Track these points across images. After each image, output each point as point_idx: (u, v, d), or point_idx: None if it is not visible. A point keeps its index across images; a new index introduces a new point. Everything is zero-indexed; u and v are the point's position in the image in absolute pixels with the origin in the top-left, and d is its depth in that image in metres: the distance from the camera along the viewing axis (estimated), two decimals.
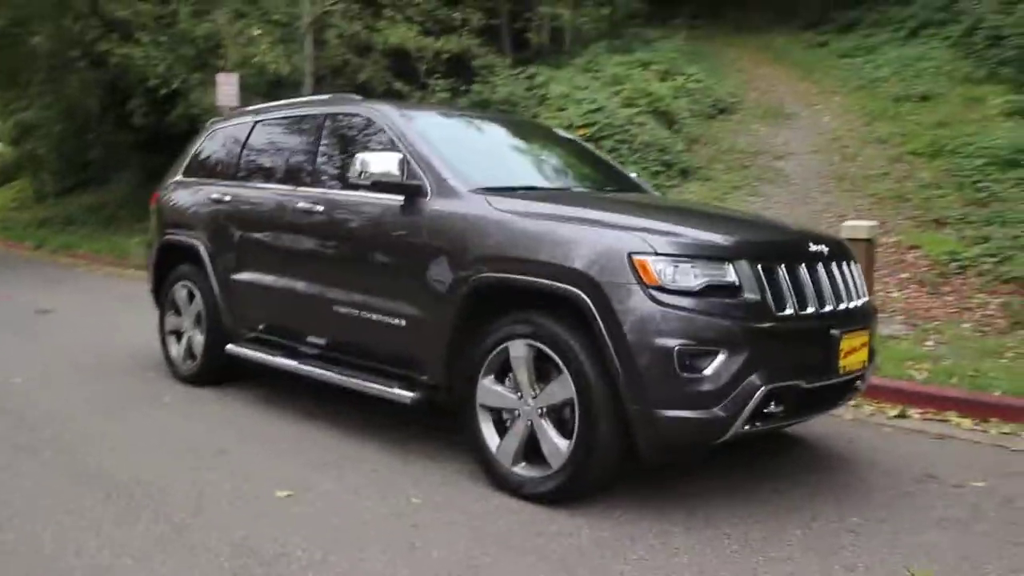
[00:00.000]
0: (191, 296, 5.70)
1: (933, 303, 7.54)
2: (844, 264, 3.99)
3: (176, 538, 3.29)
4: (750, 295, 3.48)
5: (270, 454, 4.31)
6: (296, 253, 4.87)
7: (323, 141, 4.96)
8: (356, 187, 4.50)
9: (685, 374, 3.36)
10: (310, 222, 4.74)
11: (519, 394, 3.78)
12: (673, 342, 3.35)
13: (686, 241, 3.53)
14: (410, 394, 4.18)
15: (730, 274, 3.46)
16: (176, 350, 5.86)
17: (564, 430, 3.65)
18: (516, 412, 3.79)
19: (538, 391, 3.71)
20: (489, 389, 3.87)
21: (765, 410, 3.50)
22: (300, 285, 4.82)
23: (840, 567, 3.15)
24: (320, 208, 4.69)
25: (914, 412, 5.25)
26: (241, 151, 5.56)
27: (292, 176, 5.04)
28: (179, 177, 6.09)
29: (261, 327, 5.25)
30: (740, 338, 3.41)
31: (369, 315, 4.38)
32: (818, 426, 4.78)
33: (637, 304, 3.39)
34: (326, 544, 3.25)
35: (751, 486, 3.93)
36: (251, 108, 6.02)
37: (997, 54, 13.95)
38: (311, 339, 4.89)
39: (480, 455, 3.92)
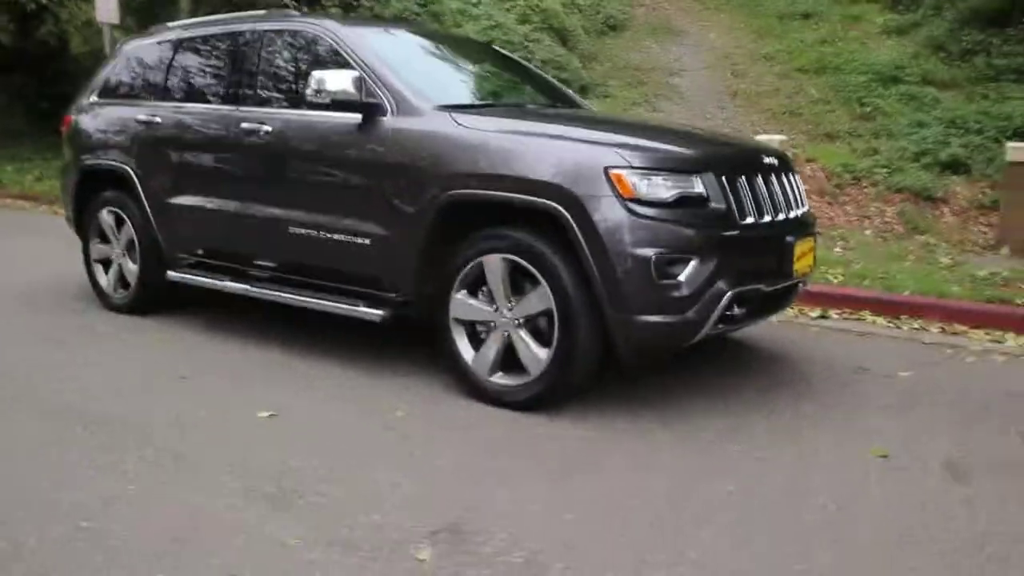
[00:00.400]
0: (119, 222, 5.51)
1: (835, 212, 8.02)
2: (789, 175, 4.24)
3: (174, 463, 3.29)
4: (716, 205, 3.67)
5: (234, 379, 4.30)
6: (239, 174, 4.78)
7: (265, 59, 4.82)
8: (310, 106, 4.42)
9: (661, 281, 3.54)
10: (256, 142, 4.64)
11: (494, 306, 3.89)
12: (650, 251, 3.52)
13: (657, 155, 3.68)
14: (379, 312, 4.22)
15: (698, 186, 3.64)
16: (106, 279, 5.67)
17: (541, 339, 3.78)
18: (492, 324, 3.91)
19: (514, 303, 3.82)
20: (463, 303, 3.97)
21: (730, 313, 3.74)
22: (246, 207, 4.74)
23: (805, 450, 3.45)
24: (267, 128, 4.59)
25: (833, 313, 5.65)
26: (168, 70, 5.34)
27: (232, 96, 4.90)
28: (93, 99, 5.80)
29: (200, 251, 5.15)
30: (710, 246, 3.61)
31: (329, 235, 4.36)
32: (753, 329, 5.10)
33: (615, 216, 3.53)
34: (327, 458, 3.32)
35: (711, 386, 4.20)
36: (174, 25, 5.75)
37: None
38: (260, 262, 4.84)
39: (456, 367, 4.03)
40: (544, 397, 3.79)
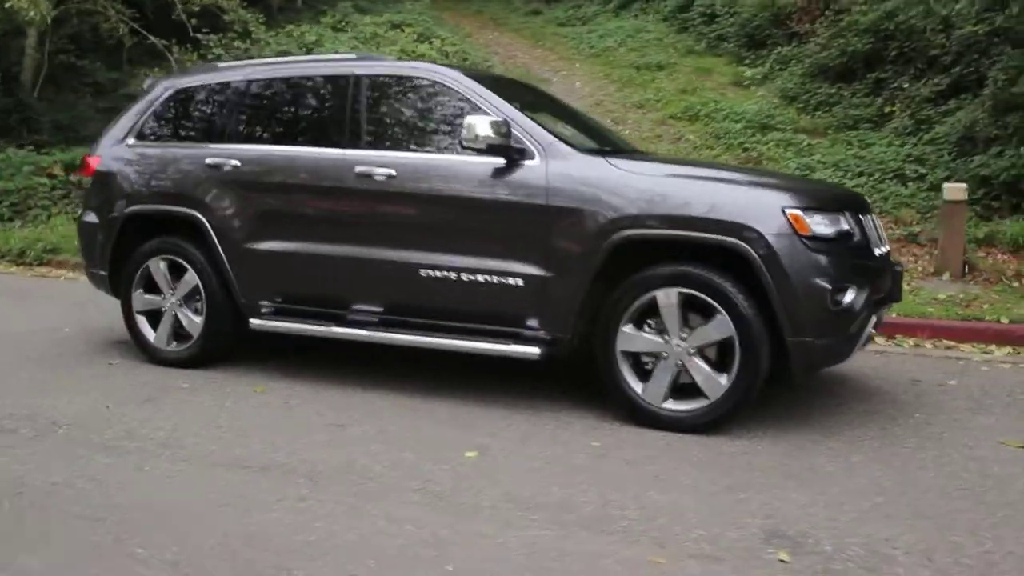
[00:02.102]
0: (177, 271, 5.27)
1: None
2: (873, 215, 4.89)
3: (439, 502, 3.35)
4: (858, 239, 4.24)
5: (395, 424, 4.31)
6: (348, 218, 4.78)
7: (378, 103, 4.89)
8: (439, 150, 4.62)
9: (833, 308, 4.03)
10: (374, 186, 4.68)
11: (664, 338, 4.21)
12: (825, 282, 4.01)
13: (816, 196, 4.21)
14: (536, 350, 4.40)
15: (845, 223, 4.19)
16: (154, 332, 5.38)
17: (713, 366, 4.15)
18: (662, 354, 4.22)
19: (687, 333, 4.17)
20: (630, 336, 4.26)
21: (870, 332, 4.30)
22: (355, 250, 4.75)
23: (949, 448, 4.03)
24: (390, 172, 4.65)
25: None
26: (239, 112, 5.22)
27: (336, 139, 4.89)
28: (130, 141, 5.51)
29: (279, 299, 5.05)
30: (861, 275, 4.16)
31: (472, 277, 4.49)
32: None
33: (795, 251, 3.99)
34: (584, 488, 3.49)
35: (829, 406, 4.70)
36: (234, 65, 5.61)
37: (715, 30, 16.05)
38: (362, 306, 4.84)
39: (623, 398, 4.30)
40: (720, 420, 4.15)
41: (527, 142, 4.43)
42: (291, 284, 5.02)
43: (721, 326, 4.09)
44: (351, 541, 3.02)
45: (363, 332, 4.81)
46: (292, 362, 5.38)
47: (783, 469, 3.74)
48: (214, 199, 5.10)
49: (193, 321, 5.25)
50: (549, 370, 4.98)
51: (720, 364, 4.16)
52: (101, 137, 5.79)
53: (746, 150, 11.77)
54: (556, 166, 4.37)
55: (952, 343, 6.15)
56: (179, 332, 5.34)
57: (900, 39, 12.03)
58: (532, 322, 4.47)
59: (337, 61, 5.20)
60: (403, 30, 16.15)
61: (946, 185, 7.29)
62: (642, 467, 3.76)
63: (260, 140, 5.16)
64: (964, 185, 7.26)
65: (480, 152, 4.40)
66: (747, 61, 14.87)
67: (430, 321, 4.71)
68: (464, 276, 4.52)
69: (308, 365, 5.32)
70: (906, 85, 11.59)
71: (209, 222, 5.10)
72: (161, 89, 5.58)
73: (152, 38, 13.47)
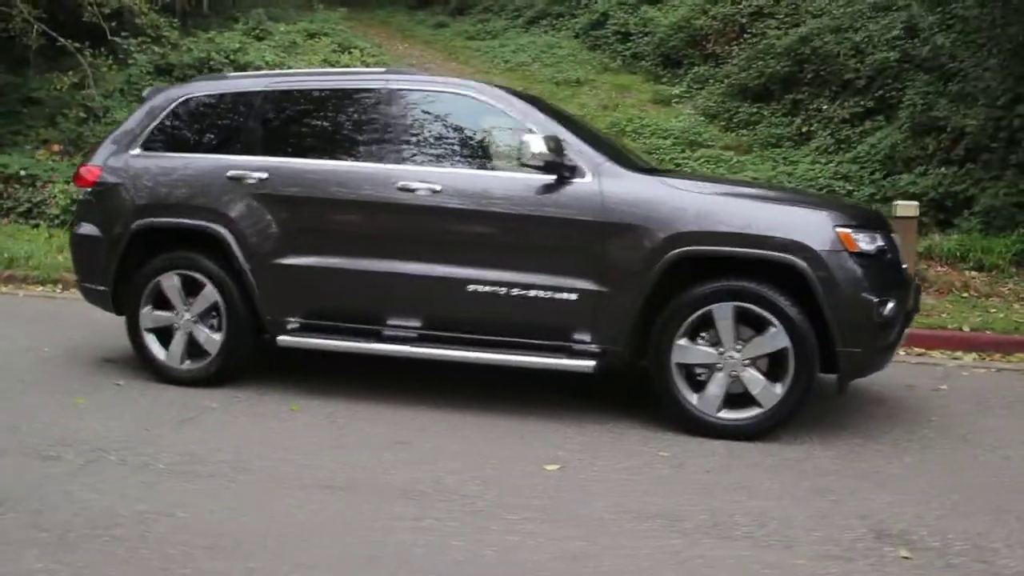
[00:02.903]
0: (192, 287, 5.08)
1: None
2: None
3: (553, 516, 3.41)
4: (891, 255, 4.53)
5: (456, 439, 4.31)
6: (388, 233, 4.74)
7: (417, 119, 4.88)
8: (482, 166, 4.68)
9: (877, 320, 4.31)
10: (416, 201, 4.67)
11: (719, 349, 4.38)
12: (873, 295, 4.27)
13: (858, 215, 4.50)
14: (591, 363, 4.49)
15: (881, 240, 4.47)
16: (164, 351, 5.16)
17: (767, 376, 4.35)
18: (716, 365, 4.39)
19: (742, 345, 4.35)
20: (685, 348, 4.41)
21: (900, 342, 4.61)
22: (394, 265, 4.71)
23: (991, 447, 4.37)
24: (437, 187, 4.65)
25: None
26: (261, 123, 5.08)
27: (374, 153, 4.84)
28: (136, 151, 5.27)
29: (307, 315, 4.95)
30: (897, 288, 4.46)
31: (523, 292, 4.54)
32: None
33: (847, 267, 4.24)
34: (681, 497, 3.61)
35: (851, 411, 4.97)
36: (251, 75, 5.45)
37: (629, 48, 16.53)
38: (398, 321, 4.81)
39: (678, 408, 4.43)
40: (773, 427, 4.35)
41: (578, 160, 4.52)
42: (322, 300, 4.92)
43: (776, 338, 4.28)
44: (492, 559, 3.03)
45: (405, 348, 4.76)
46: (308, 378, 5.25)
47: (851, 472, 3.96)
48: (237, 212, 4.95)
49: (211, 338, 5.07)
50: (567, 382, 5.04)
51: (771, 374, 4.35)
52: (97, 147, 5.52)
53: (677, 166, 12.18)
54: (610, 184, 4.48)
55: (922, 350, 6.58)
56: (192, 350, 5.12)
57: (816, 63, 12.74)
58: (583, 336, 4.55)
59: (365, 74, 5.16)
60: (320, 39, 15.91)
61: (898, 202, 7.80)
62: (722, 475, 3.90)
63: (288, 152, 5.04)
64: (915, 203, 7.79)
65: (538, 169, 4.46)
66: (664, 80, 15.39)
67: (474, 336, 4.71)
68: (514, 291, 4.56)
69: (329, 382, 5.21)
70: (825, 106, 12.27)
71: (232, 236, 4.94)
72: (166, 98, 5.36)
73: (62, 40, 12.76)
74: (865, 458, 4.16)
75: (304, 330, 4.98)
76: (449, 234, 4.68)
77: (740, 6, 14.60)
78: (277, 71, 5.55)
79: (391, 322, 4.83)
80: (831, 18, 13.20)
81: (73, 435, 4.22)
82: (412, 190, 4.68)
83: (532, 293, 4.53)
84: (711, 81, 14.37)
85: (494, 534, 3.22)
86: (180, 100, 5.30)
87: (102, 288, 5.31)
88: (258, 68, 13.07)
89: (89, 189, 5.34)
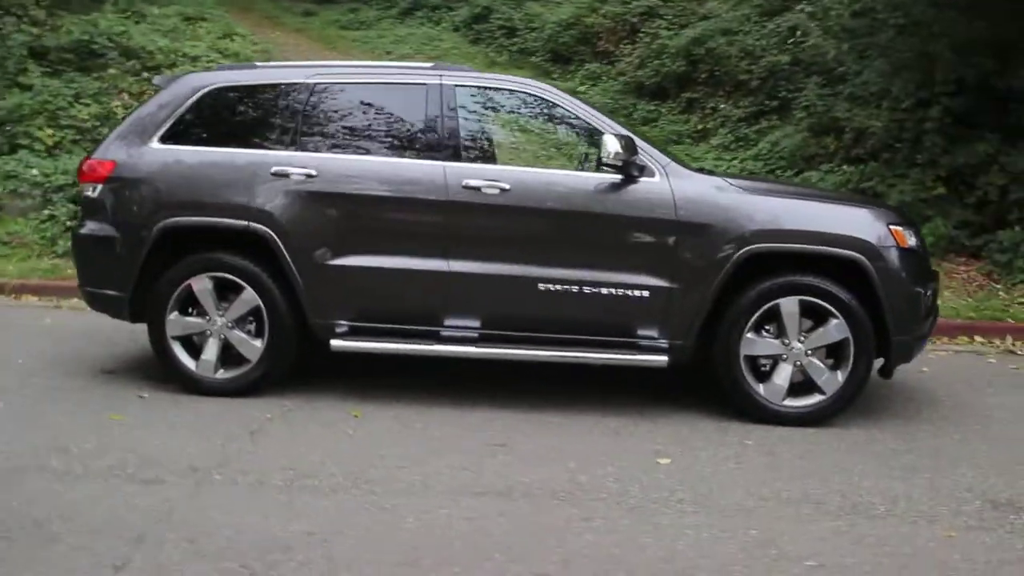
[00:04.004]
0: (225, 290, 4.80)
1: None
2: None
3: (708, 507, 3.54)
4: (923, 250, 4.94)
5: (547, 439, 4.33)
6: (454, 232, 4.67)
7: (473, 114, 4.83)
8: (551, 164, 4.71)
9: (922, 309, 4.69)
10: (484, 199, 4.63)
11: (783, 341, 4.62)
12: (920, 287, 4.65)
13: (901, 213, 4.86)
14: (664, 358, 4.62)
15: (916, 236, 4.86)
16: (192, 360, 4.84)
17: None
18: (781, 356, 4.63)
19: (805, 337, 4.61)
20: (753, 341, 4.62)
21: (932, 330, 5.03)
22: (460, 265, 4.65)
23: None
24: (506, 186, 4.63)
25: None
26: (304, 117, 4.85)
27: (432, 150, 4.74)
28: (156, 144, 4.89)
29: (358, 318, 4.80)
30: (933, 279, 4.87)
31: (594, 290, 4.61)
32: None
33: (900, 262, 4.59)
34: (801, 482, 3.83)
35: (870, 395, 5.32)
36: (281, 66, 5.18)
37: (516, 43, 16.70)
38: (456, 321, 4.76)
39: (746, 398, 4.64)
40: (834, 413, 4.64)
41: (647, 160, 4.62)
42: (375, 301, 4.78)
43: (838, 329, 4.56)
44: (690, 553, 3.13)
45: (469, 349, 4.72)
46: (339, 383, 5.06)
47: (920, 451, 4.29)
48: (283, 210, 4.71)
49: (251, 345, 4.80)
50: (598, 377, 5.16)
51: (831, 363, 4.63)
52: (105, 139, 5.09)
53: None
54: (679, 184, 4.62)
55: None
56: (226, 358, 4.85)
57: (709, 63, 13.34)
58: (650, 331, 4.67)
59: (414, 69, 5.04)
60: (199, 24, 15.10)
61: None
62: (815, 460, 4.14)
63: (337, 148, 4.84)
64: None
65: (614, 169, 4.53)
66: (555, 76, 15.63)
67: (537, 334, 4.73)
68: (586, 289, 4.61)
69: (365, 385, 5.04)
70: (721, 105, 12.91)
71: (278, 235, 4.70)
72: (186, 88, 4.99)
73: None
74: (923, 439, 4.50)
75: (353, 333, 4.81)
76: (519, 233, 4.68)
77: (630, 6, 15.04)
78: (311, 63, 5.27)
79: (449, 322, 4.76)
80: (718, 21, 13.85)
81: (146, 454, 3.93)
82: (479, 188, 4.62)
83: (604, 291, 4.61)
84: (604, 78, 14.75)
85: (670, 529, 3.30)
86: (206, 90, 4.96)
87: (116, 294, 4.91)
88: (148, 52, 12.29)
89: (100, 185, 4.91)
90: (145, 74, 11.56)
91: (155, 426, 4.33)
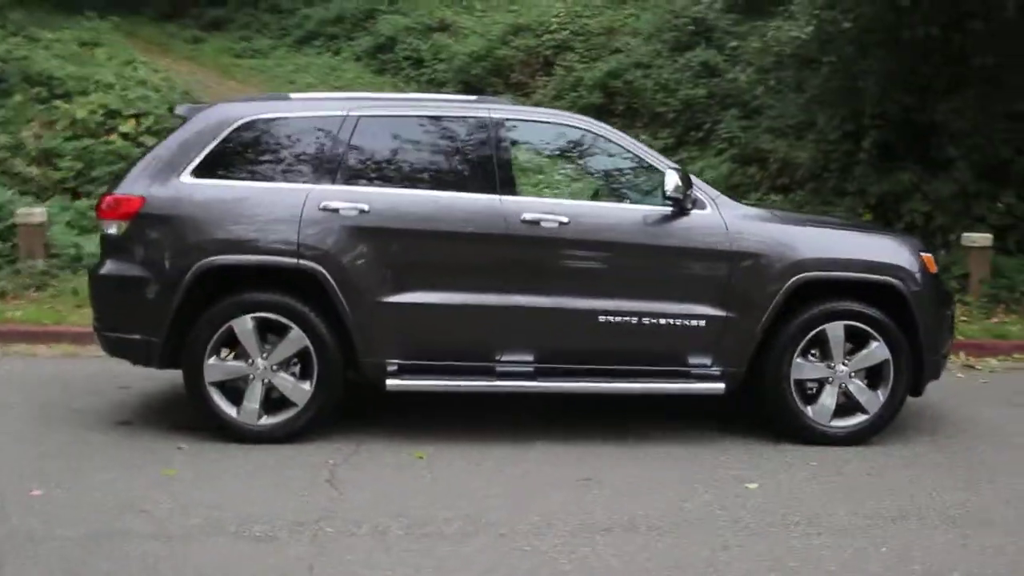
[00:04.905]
0: (269, 332, 4.59)
1: None
2: None
3: (827, 529, 3.65)
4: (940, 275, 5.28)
5: (634, 469, 4.35)
6: (517, 266, 4.62)
7: (524, 148, 4.83)
8: (605, 198, 4.80)
9: (947, 330, 5.02)
10: (547, 235, 4.62)
11: (828, 364, 4.82)
12: (947, 310, 4.97)
13: (921, 242, 5.16)
14: (721, 386, 4.73)
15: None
16: (232, 405, 4.59)
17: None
18: (828, 379, 4.83)
19: (849, 360, 4.83)
20: (802, 365, 4.80)
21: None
22: (530, 299, 4.62)
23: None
24: (564, 219, 4.64)
25: None
26: (351, 151, 4.71)
27: (485, 184, 4.69)
28: (187, 179, 4.64)
29: (410, 356, 4.69)
30: (952, 302, 5.22)
31: (654, 320, 4.68)
32: None
33: (930, 286, 4.89)
34: (891, 499, 4.01)
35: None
36: (318, 98, 5.00)
37: (425, 74, 16.70)
38: (511, 356, 4.73)
39: (795, 421, 4.79)
40: (876, 431, 4.87)
41: (699, 193, 4.75)
42: (430, 338, 4.68)
43: (879, 351, 4.79)
44: (846, 574, 3.20)
45: (527, 383, 4.69)
46: (376, 423, 4.93)
47: (963, 463, 4.54)
48: (334, 247, 4.55)
49: (299, 388, 4.60)
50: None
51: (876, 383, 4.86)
52: (127, 173, 4.77)
53: None
54: (730, 215, 4.77)
55: None
56: (280, 402, 4.63)
57: (627, 96, 13.77)
58: (703, 360, 4.77)
59: (460, 102, 4.99)
60: (94, 49, 14.37)
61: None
62: (885, 476, 4.34)
63: (387, 183, 4.72)
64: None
65: (673, 202, 4.62)
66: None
67: (591, 366, 4.75)
68: (645, 320, 4.67)
69: (404, 424, 4.92)
70: (642, 137, 13.30)
71: (329, 273, 4.53)
72: (220, 118, 4.74)
73: None
74: (955, 451, 4.76)
75: (403, 372, 4.68)
76: (579, 266, 4.69)
77: (543, 39, 15.33)
78: (349, 95, 5.13)
79: (503, 357, 4.72)
80: (631, 55, 14.32)
81: (235, 510, 3.70)
82: (537, 223, 4.61)
83: (662, 321, 4.68)
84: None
85: (805, 551, 3.40)
86: (241, 122, 4.73)
87: (146, 338, 4.60)
88: (56, 78, 11.58)
89: (126, 222, 4.60)
90: (56, 102, 10.89)
91: (217, 479, 4.08)
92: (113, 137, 10.65)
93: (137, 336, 4.62)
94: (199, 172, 4.65)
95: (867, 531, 3.61)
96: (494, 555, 3.29)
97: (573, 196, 4.91)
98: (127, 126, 10.84)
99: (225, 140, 4.70)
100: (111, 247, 4.70)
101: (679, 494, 3.99)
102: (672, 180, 4.56)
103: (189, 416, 4.83)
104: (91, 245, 8.72)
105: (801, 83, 11.47)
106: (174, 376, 5.43)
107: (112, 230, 4.67)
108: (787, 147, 11.11)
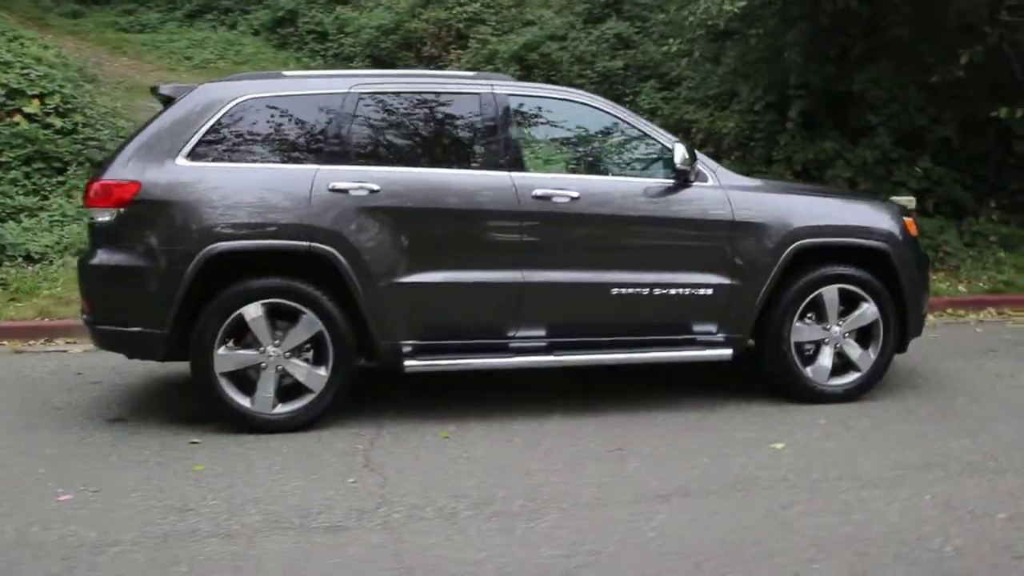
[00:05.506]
0: (279, 319, 4.45)
1: None
2: None
3: (873, 485, 3.85)
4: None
5: (655, 438, 4.44)
6: (531, 242, 4.61)
7: (529, 124, 4.82)
8: (612, 172, 4.89)
9: (926, 289, 5.32)
10: (560, 210, 4.64)
11: (824, 326, 5.04)
12: (925, 270, 5.28)
13: (903, 206, 5.43)
14: (729, 351, 4.88)
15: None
16: (255, 394, 4.45)
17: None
18: (823, 341, 5.04)
19: (843, 321, 5.05)
20: (800, 329, 4.99)
21: None
22: (544, 275, 4.63)
23: None
24: (576, 194, 4.67)
25: None
26: (356, 129, 4.59)
27: (493, 161, 4.66)
28: (183, 161, 4.41)
29: (424, 336, 4.64)
30: (928, 261, 5.52)
31: (664, 291, 4.77)
32: None
33: (912, 249, 5.17)
34: (906, 453, 4.23)
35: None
36: (313, 75, 4.80)
37: (331, 48, 16.31)
38: (524, 332, 4.74)
39: (795, 382, 5.00)
40: (868, 388, 5.12)
41: (701, 166, 4.85)
42: (444, 318, 4.63)
43: (869, 312, 5.04)
44: (907, 524, 3.38)
45: (545, 358, 4.72)
46: (390, 403, 4.88)
47: (953, 419, 4.80)
48: (346, 229, 4.43)
49: (315, 374, 4.48)
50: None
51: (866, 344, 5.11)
52: (115, 157, 4.50)
53: None
54: (731, 186, 4.90)
55: None
56: (295, 389, 4.50)
57: (544, 68, 13.82)
58: (708, 327, 4.90)
59: (460, 78, 4.92)
60: None
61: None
62: (890, 430, 4.57)
63: (395, 161, 4.62)
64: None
65: (679, 175, 4.71)
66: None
67: (601, 339, 4.82)
68: (656, 291, 4.76)
69: (418, 403, 4.88)
70: None
71: (343, 255, 4.42)
72: (212, 98, 4.52)
73: None
74: (940, 402, 5.06)
75: (418, 352, 4.63)
76: (591, 240, 4.72)
77: (454, 12, 15.17)
78: (346, 72, 4.94)
79: (516, 333, 4.72)
80: (545, 27, 14.36)
81: (288, 503, 3.58)
82: (549, 197, 4.62)
83: (673, 291, 4.78)
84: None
85: (862, 504, 3.55)
86: (236, 102, 4.53)
87: (147, 331, 4.38)
88: None
89: (120, 209, 4.35)
90: None
91: (251, 472, 3.94)
92: (17, 119, 9.96)
93: (137, 328, 4.40)
94: (195, 154, 4.44)
95: (904, 482, 3.80)
96: (573, 529, 3.31)
97: (578, 171, 4.91)
98: (32, 106, 10.16)
99: (221, 120, 4.50)
100: (103, 236, 4.43)
101: (713, 459, 4.10)
102: (680, 153, 4.65)
103: (182, 408, 4.74)
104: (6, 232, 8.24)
105: (718, 55, 11.79)
106: (141, 366, 5.26)
107: (104, 218, 4.41)
108: (709, 117, 11.40)
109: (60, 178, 9.62)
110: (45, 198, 9.33)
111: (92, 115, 10.87)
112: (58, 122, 10.20)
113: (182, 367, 5.18)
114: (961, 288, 8.44)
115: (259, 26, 17.63)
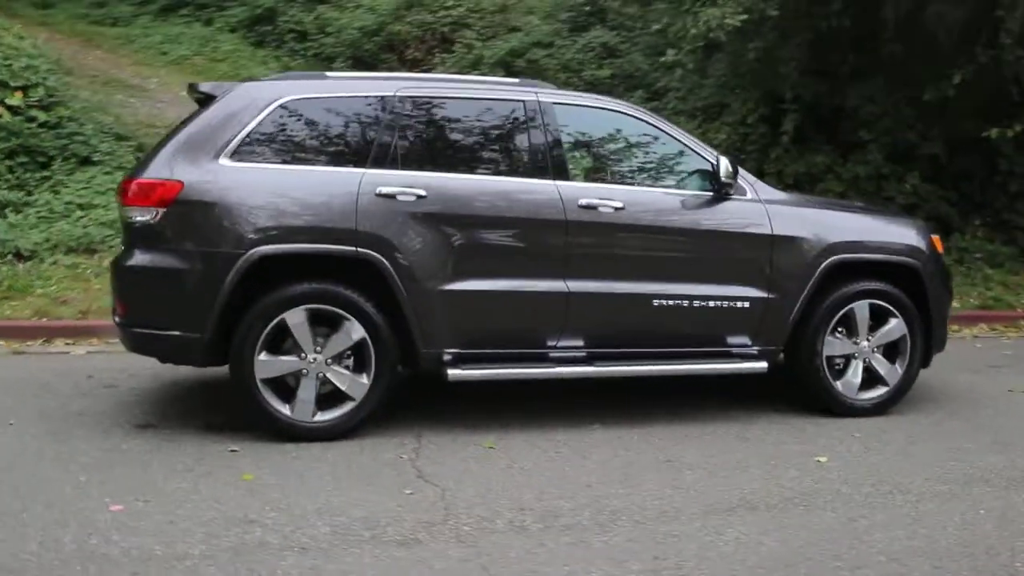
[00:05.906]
0: (321, 325, 4.37)
1: None
2: None
3: (913, 498, 3.90)
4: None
5: (702, 449, 4.45)
6: (576, 251, 4.60)
7: (576, 133, 4.82)
8: (656, 183, 4.90)
9: (949, 305, 5.41)
10: (604, 220, 4.63)
11: (854, 340, 5.10)
12: (949, 286, 5.39)
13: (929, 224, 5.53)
14: (764, 364, 4.91)
15: None
16: (295, 401, 4.36)
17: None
18: (853, 355, 5.10)
19: (872, 336, 5.12)
20: (833, 343, 5.05)
21: None
22: (586, 284, 4.62)
23: None
24: (620, 204, 4.66)
25: None
26: (402, 134, 4.53)
27: (540, 170, 4.63)
28: (225, 162, 4.31)
29: (467, 345, 4.59)
30: (950, 278, 5.60)
31: (704, 303, 4.79)
32: None
33: (938, 266, 5.27)
34: (942, 466, 4.30)
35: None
36: (359, 76, 4.78)
37: (312, 48, 16.12)
38: (564, 342, 4.72)
39: (826, 396, 5.05)
40: (895, 402, 5.19)
41: (740, 179, 4.88)
42: (488, 327, 4.59)
43: (897, 327, 5.11)
44: (972, 536, 3.43)
45: (586, 369, 4.70)
46: (431, 413, 4.83)
47: (985, 430, 4.90)
48: (393, 235, 4.36)
49: (357, 382, 4.41)
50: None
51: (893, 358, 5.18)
52: (154, 156, 4.38)
53: None
54: (769, 200, 4.93)
55: None
56: (336, 396, 4.42)
57: (531, 75, 13.80)
58: (742, 340, 4.93)
59: (504, 85, 4.88)
60: None
61: None
62: (925, 444, 4.64)
63: (442, 167, 4.56)
64: None
65: (720, 188, 4.74)
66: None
67: (640, 350, 4.83)
68: (696, 303, 4.77)
69: (451, 413, 4.83)
70: None
71: (389, 262, 4.36)
72: (256, 97, 4.43)
73: None
74: (967, 417, 5.17)
75: (459, 361, 4.58)
76: (634, 251, 4.72)
77: (438, 15, 15.10)
78: (391, 75, 4.87)
79: (557, 343, 4.70)
80: (531, 34, 14.37)
81: (346, 514, 3.51)
82: (595, 207, 4.61)
83: (712, 304, 4.79)
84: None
85: (924, 518, 3.60)
86: (280, 102, 4.44)
87: (186, 335, 4.27)
88: None
89: (162, 209, 4.24)
90: None
91: (303, 483, 3.85)
92: (0, 111, 9.68)
93: (176, 332, 4.28)
94: (239, 155, 4.34)
95: (955, 495, 3.86)
96: (650, 542, 3.29)
97: (621, 181, 4.91)
98: (15, 99, 9.87)
99: (264, 121, 4.41)
100: (141, 236, 4.32)
101: (764, 472, 4.12)
102: (725, 166, 4.67)
103: (208, 412, 4.69)
104: None
105: (705, 68, 11.89)
106: (151, 369, 5.17)
107: (144, 217, 4.28)
108: (698, 129, 11.50)
109: (45, 173, 9.37)
110: (29, 193, 9.07)
111: (76, 109, 10.57)
112: (42, 115, 9.91)
113: (189, 371, 5.11)
114: (954, 304, 8.58)
115: (236, 23, 17.35)
